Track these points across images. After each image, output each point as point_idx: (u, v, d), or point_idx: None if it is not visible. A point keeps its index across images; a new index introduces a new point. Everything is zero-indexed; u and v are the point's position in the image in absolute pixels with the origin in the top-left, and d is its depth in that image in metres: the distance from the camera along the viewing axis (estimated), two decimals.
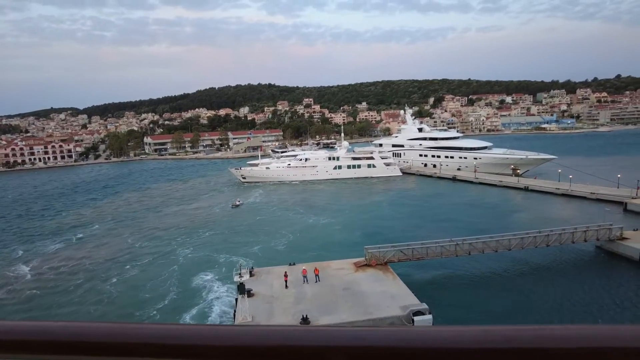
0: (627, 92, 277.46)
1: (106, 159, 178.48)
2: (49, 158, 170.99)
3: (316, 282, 30.11)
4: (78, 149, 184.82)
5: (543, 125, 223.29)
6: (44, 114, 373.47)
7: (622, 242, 36.47)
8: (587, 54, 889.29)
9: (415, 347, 0.79)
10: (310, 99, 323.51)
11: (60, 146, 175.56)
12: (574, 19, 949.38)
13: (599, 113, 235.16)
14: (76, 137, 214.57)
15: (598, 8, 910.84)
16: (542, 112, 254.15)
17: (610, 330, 0.77)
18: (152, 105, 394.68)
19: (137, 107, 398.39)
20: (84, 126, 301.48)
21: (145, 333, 0.84)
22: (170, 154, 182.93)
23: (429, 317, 24.99)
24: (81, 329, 0.86)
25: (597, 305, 28.17)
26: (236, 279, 31.08)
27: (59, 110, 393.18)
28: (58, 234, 55.49)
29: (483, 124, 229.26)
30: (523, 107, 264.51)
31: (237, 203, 67.01)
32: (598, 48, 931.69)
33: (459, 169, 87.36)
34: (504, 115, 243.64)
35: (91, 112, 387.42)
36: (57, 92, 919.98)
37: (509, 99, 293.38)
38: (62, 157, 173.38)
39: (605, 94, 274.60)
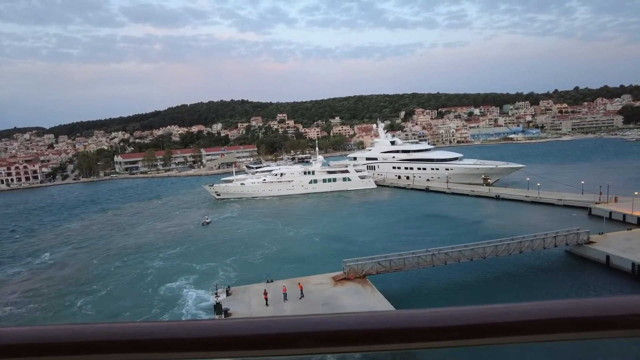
0: (585, 103, 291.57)
1: (75, 179, 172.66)
2: (12, 180, 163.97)
3: (301, 297, 29.85)
4: (44, 169, 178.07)
5: (510, 136, 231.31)
6: (6, 134, 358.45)
7: (590, 246, 37.81)
8: (547, 67, 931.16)
9: (374, 328, 0.89)
10: (284, 115, 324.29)
11: (25, 167, 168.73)
12: (533, 34, 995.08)
13: (561, 123, 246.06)
14: (42, 158, 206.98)
15: (554, 25, 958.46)
16: (509, 123, 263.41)
17: (539, 305, 0.91)
18: (122, 123, 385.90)
19: (107, 125, 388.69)
20: (51, 146, 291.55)
21: (128, 331, 0.88)
22: (141, 173, 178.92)
23: None
24: (75, 330, 0.89)
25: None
26: (212, 298, 30.41)
27: (23, 130, 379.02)
28: (22, 258, 52.84)
29: (453, 135, 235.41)
30: (491, 119, 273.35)
31: (207, 221, 65.35)
32: (557, 62, 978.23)
33: (428, 180, 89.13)
34: (472, 127, 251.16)
35: (58, 131, 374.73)
36: (21, 111, 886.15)
37: (477, 111, 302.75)
38: (27, 179, 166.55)
39: (566, 105, 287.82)
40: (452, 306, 0.92)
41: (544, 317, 0.89)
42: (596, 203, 55.34)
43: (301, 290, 30.21)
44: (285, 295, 29.91)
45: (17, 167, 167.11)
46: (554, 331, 0.90)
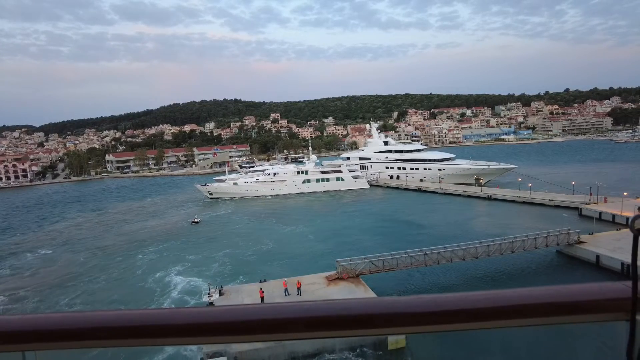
0: (576, 105, 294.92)
1: (65, 178, 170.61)
2: (0, 178, 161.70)
3: (298, 295, 30.03)
4: (34, 168, 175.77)
5: (502, 137, 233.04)
6: None
7: (580, 246, 38.24)
8: (539, 69, 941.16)
9: (361, 314, 0.96)
10: (277, 114, 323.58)
11: (14, 165, 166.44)
12: (524, 37, 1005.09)
13: (552, 124, 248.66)
14: (32, 156, 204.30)
15: (545, 27, 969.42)
16: (501, 124, 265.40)
17: (517, 292, 1.02)
18: (113, 122, 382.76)
19: (98, 124, 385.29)
20: (41, 144, 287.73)
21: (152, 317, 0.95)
22: (133, 172, 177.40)
23: None
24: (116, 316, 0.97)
25: (556, 332, 29.26)
26: (205, 299, 30.27)
27: (12, 128, 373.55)
28: (10, 257, 52.12)
29: (445, 136, 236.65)
30: (483, 120, 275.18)
31: (196, 220, 65.15)
32: (548, 64, 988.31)
33: (420, 180, 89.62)
34: (465, 128, 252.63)
35: (48, 129, 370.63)
36: (10, 109, 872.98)
37: (469, 112, 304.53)
38: (17, 177, 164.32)
39: (557, 107, 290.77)
40: (435, 294, 1.00)
41: (523, 303, 0.99)
42: (586, 204, 56.00)
43: (299, 289, 30.44)
44: (286, 290, 30.28)
45: (6, 166, 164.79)
46: (532, 315, 0.99)
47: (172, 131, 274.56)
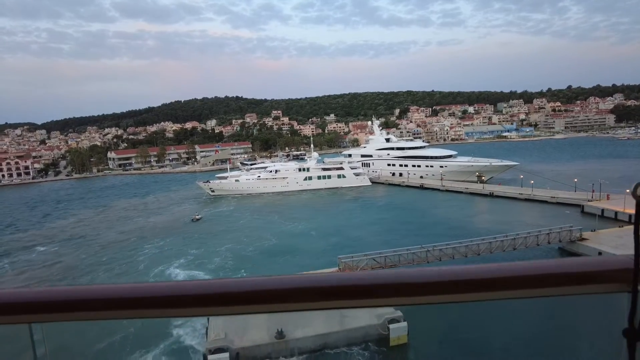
0: (578, 102, 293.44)
1: (67, 175, 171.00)
2: (3, 175, 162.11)
3: None
4: (36, 165, 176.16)
5: (504, 134, 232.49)
6: None
7: (582, 242, 38.24)
8: (541, 66, 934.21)
9: (365, 284, 1.01)
10: (279, 112, 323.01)
11: (16, 163, 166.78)
12: (526, 34, 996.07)
13: (554, 121, 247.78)
14: (34, 154, 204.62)
15: (548, 24, 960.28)
16: (503, 121, 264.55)
17: (502, 266, 1.04)
18: (115, 119, 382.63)
19: (100, 121, 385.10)
20: (43, 142, 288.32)
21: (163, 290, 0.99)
22: (135, 169, 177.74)
23: (404, 324, 25.13)
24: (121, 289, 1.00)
25: (559, 306, 29.24)
26: None
27: (15, 126, 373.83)
28: (12, 254, 52.36)
29: (447, 133, 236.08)
30: (485, 117, 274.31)
31: (197, 217, 65.42)
32: (550, 61, 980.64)
33: (422, 177, 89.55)
34: (467, 125, 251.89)
35: (50, 127, 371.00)
36: (11, 106, 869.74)
37: (471, 109, 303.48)
38: (19, 175, 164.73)
39: (559, 104, 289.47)
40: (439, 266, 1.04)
41: (527, 274, 1.02)
42: (589, 201, 55.83)
43: None
44: None
45: (8, 163, 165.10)
46: (535, 286, 1.01)
47: (173, 128, 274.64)
